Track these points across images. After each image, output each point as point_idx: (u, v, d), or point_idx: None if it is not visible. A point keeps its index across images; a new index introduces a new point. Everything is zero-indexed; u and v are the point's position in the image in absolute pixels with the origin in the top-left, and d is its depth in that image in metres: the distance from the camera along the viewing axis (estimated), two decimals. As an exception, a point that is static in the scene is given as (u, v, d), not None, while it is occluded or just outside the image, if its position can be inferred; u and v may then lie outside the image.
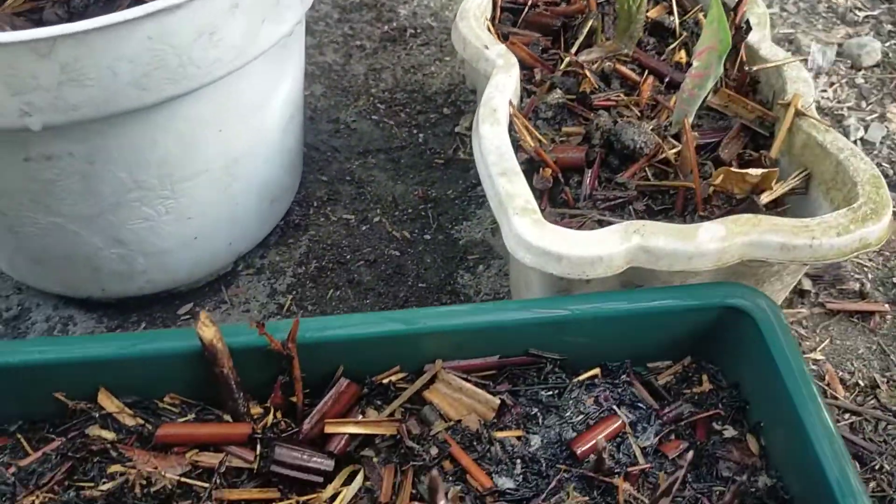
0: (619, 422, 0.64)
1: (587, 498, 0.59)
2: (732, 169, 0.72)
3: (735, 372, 0.67)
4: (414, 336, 0.65)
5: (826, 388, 0.86)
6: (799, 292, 0.95)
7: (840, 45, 1.29)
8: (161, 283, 0.91)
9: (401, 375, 0.67)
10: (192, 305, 0.94)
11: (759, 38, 0.85)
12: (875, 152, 1.12)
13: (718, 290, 0.66)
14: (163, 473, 0.59)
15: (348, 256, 1.00)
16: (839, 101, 1.20)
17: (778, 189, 0.74)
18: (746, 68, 0.81)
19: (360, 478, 0.61)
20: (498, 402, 0.64)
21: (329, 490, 0.61)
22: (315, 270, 0.99)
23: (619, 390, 0.67)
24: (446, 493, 0.52)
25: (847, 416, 0.84)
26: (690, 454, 0.48)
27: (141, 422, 0.63)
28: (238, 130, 0.82)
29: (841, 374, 0.88)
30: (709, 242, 0.65)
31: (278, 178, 0.95)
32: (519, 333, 0.66)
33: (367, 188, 1.10)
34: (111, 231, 0.81)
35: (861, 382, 0.87)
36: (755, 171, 0.72)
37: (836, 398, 0.85)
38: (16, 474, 0.60)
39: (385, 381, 0.66)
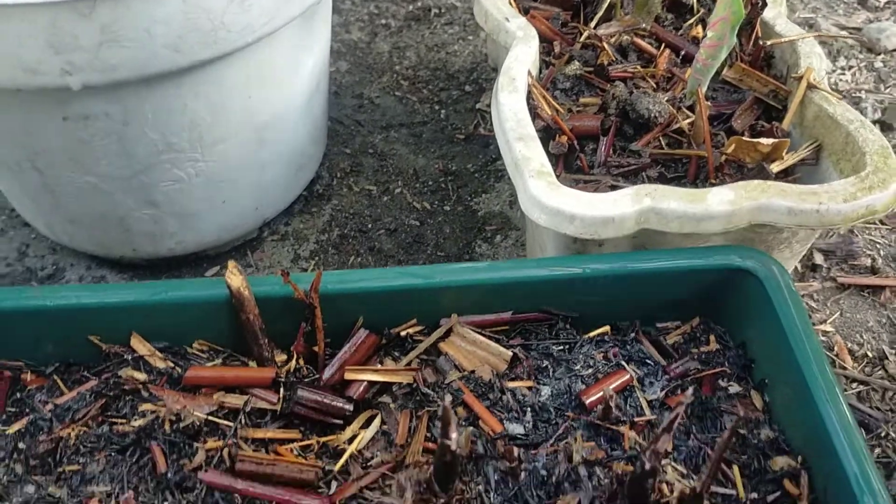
0: (627, 376, 0.66)
1: (593, 443, 0.61)
2: (744, 138, 0.74)
3: (742, 332, 0.70)
4: (431, 290, 0.68)
5: (835, 358, 0.88)
6: (811, 266, 0.97)
7: (859, 29, 1.30)
8: (190, 245, 0.94)
9: (418, 328, 0.69)
10: (220, 268, 0.98)
11: (775, 15, 0.87)
12: (891, 134, 1.14)
13: (726, 252, 0.68)
14: (191, 411, 0.62)
15: (370, 225, 1.03)
16: (857, 84, 1.21)
17: (789, 159, 0.76)
18: (761, 43, 0.83)
19: (377, 422, 0.64)
20: (510, 354, 0.67)
21: (348, 432, 0.64)
22: (337, 238, 1.02)
23: (628, 347, 0.69)
24: (458, 426, 0.55)
25: (855, 385, 0.86)
26: (690, 390, 0.50)
27: (171, 365, 0.66)
28: (266, 97, 0.85)
29: (850, 345, 0.90)
30: (718, 205, 0.67)
31: (304, 147, 0.98)
32: (532, 291, 0.69)
33: (389, 161, 1.12)
34: (144, 192, 0.85)
35: (870, 354, 0.89)
36: (767, 141, 0.74)
37: (844, 368, 0.87)
38: (52, 411, 0.64)
39: (403, 333, 0.69)
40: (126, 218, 0.88)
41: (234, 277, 0.64)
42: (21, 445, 0.61)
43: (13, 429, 0.62)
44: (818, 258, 0.98)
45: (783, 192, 0.68)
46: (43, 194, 0.86)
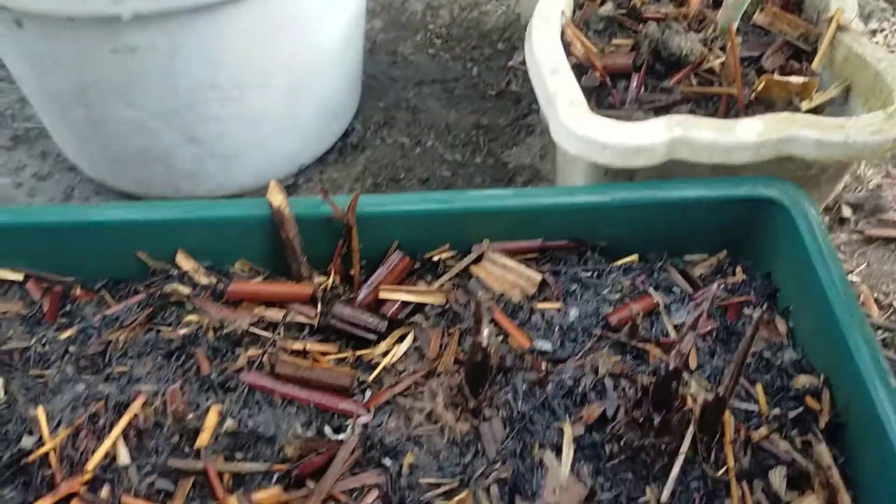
0: (654, 301, 0.68)
1: (619, 358, 0.63)
2: (775, 77, 0.75)
3: (768, 262, 0.71)
4: (460, 215, 0.69)
5: (860, 307, 0.89)
6: (839, 220, 0.98)
7: (894, -7, 1.30)
8: (229, 187, 0.97)
9: (450, 254, 0.72)
10: (256, 211, 1.01)
11: (807, -39, 0.88)
12: (923, 94, 1.13)
13: (754, 182, 0.70)
14: (234, 320, 0.65)
15: (402, 175, 1.06)
16: (889, 47, 1.21)
17: (818, 98, 0.77)
18: (793, -14, 0.84)
19: (410, 338, 0.66)
20: (540, 277, 0.69)
21: (382, 346, 0.66)
22: (371, 187, 1.04)
23: (655, 276, 0.71)
24: (491, 321, 0.57)
25: (880, 332, 0.87)
26: (714, 286, 0.51)
27: (214, 281, 0.69)
28: (304, 39, 0.88)
29: (876, 295, 0.90)
30: (747, 136, 0.68)
31: (339, 94, 1.00)
32: (561, 218, 0.70)
33: (422, 115, 1.14)
34: (186, 129, 0.88)
35: (895, 303, 0.89)
36: (797, 79, 0.75)
37: (869, 316, 0.88)
38: (101, 320, 0.67)
39: (435, 258, 0.71)
40: (168, 156, 0.91)
41: (276, 196, 0.67)
42: (72, 349, 0.64)
43: (64, 334, 0.65)
44: (846, 211, 0.98)
45: (811, 124, 0.69)
46: (89, 130, 0.89)
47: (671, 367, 0.52)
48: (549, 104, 0.73)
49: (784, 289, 0.69)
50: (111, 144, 0.91)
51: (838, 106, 0.78)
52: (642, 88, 0.78)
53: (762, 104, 0.77)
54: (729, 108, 0.77)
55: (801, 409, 0.60)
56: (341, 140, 1.10)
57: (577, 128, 0.69)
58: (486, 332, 0.53)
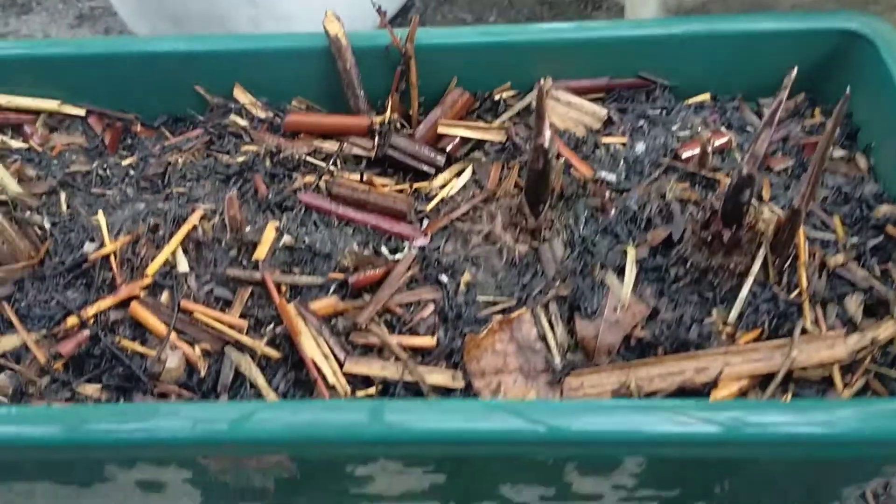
0: (727, 138, 0.65)
1: (687, 183, 0.61)
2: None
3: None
4: (521, 50, 0.67)
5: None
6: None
7: None
8: (287, 54, 0.96)
9: (512, 93, 0.69)
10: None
11: None
12: None
13: (836, 15, 0.65)
14: (290, 147, 0.64)
15: (463, 49, 1.03)
16: None
17: (911, -65, 0.71)
18: None
19: (468, 171, 0.64)
20: (605, 112, 0.66)
21: (440, 179, 0.64)
22: (430, 60, 1.02)
23: (728, 115, 0.67)
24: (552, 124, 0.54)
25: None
26: (784, 93, 0.48)
27: (271, 115, 0.68)
28: None
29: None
30: (832, -39, 0.64)
31: (400, -41, 0.98)
32: (629, 54, 0.67)
33: (484, -7, 1.11)
34: (245, -14, 0.87)
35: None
36: (888, -88, 0.69)
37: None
38: (161, 149, 0.67)
39: (496, 97, 0.69)
40: (227, 19, 0.90)
41: (332, 24, 0.65)
42: (132, 173, 0.64)
43: (125, 161, 0.65)
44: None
45: (904, -50, 0.64)
46: (150, -8, 0.89)
47: (745, 173, 0.50)
48: (619, -63, 0.69)
49: (866, 127, 0.65)
50: (172, 7, 0.90)
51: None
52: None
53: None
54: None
55: (881, 237, 0.57)
56: (401, 15, 1.08)
57: (648, -44, 0.66)
58: (547, 133, 0.51)
